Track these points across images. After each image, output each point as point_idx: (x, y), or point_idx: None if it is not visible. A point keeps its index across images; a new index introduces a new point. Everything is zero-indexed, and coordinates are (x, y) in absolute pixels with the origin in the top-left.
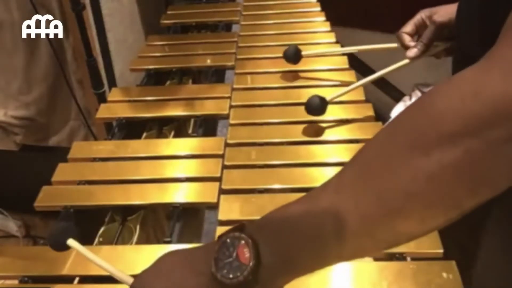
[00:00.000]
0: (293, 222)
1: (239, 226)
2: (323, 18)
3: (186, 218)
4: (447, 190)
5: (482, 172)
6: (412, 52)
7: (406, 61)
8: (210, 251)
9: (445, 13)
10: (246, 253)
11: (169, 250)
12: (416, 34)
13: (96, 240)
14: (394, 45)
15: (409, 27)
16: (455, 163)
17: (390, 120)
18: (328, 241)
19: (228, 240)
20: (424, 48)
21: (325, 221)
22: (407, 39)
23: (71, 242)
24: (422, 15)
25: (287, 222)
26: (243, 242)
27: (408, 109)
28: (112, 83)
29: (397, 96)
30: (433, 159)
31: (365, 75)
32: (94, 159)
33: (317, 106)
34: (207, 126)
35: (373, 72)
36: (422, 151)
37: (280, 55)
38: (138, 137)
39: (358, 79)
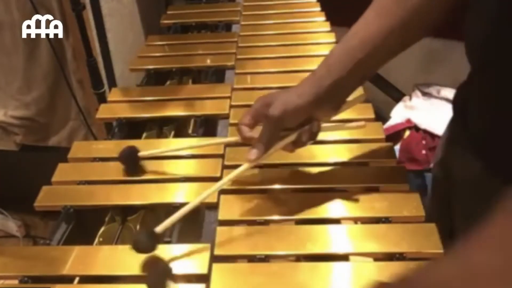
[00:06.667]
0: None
1: None
2: (323, 18)
3: (186, 218)
4: None
5: None
6: (252, 155)
7: (248, 164)
8: None
9: (280, 104)
10: None
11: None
12: (258, 123)
13: (96, 240)
14: (235, 138)
15: (246, 119)
16: None
17: (390, 120)
18: None
19: None
20: (265, 147)
21: None
22: (245, 131)
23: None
24: (257, 105)
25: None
26: None
27: None
28: (112, 83)
29: (397, 96)
30: None
31: None
32: (94, 159)
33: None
34: (207, 126)
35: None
36: None
37: (280, 55)
38: (138, 137)
39: None
